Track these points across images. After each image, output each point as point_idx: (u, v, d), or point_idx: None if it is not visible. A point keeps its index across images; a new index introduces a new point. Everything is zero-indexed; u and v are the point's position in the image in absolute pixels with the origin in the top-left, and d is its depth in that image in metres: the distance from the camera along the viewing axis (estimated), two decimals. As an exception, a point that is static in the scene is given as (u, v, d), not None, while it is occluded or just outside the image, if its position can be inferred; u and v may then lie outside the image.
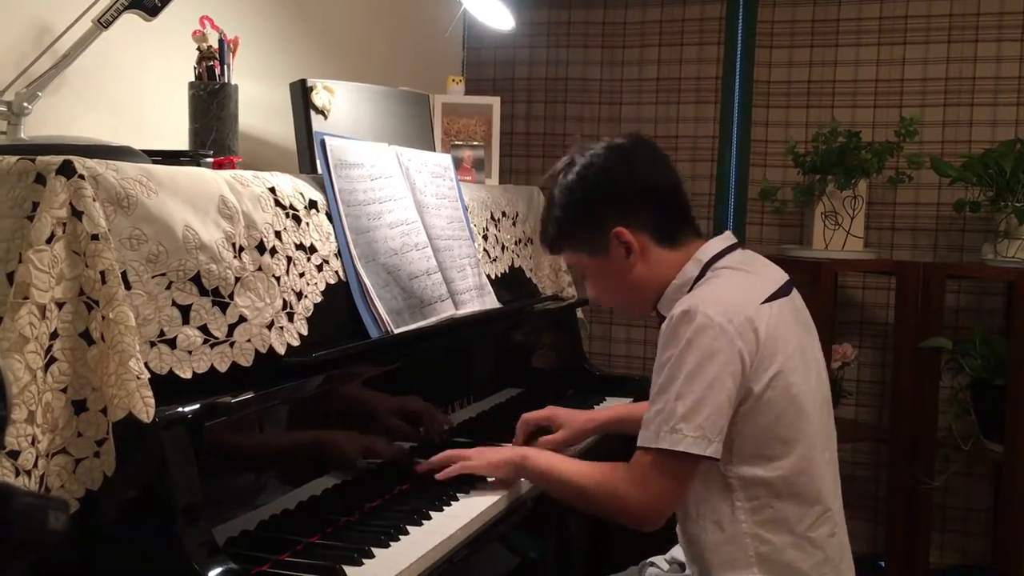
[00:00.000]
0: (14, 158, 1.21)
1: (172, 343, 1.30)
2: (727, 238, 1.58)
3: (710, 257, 1.53)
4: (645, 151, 1.61)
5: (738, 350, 1.39)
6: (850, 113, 2.99)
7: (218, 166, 1.58)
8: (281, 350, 1.47)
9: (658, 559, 1.69)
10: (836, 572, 1.47)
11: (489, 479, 1.65)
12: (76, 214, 1.18)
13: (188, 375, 1.31)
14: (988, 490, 2.89)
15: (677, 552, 1.65)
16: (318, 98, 1.89)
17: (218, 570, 1.16)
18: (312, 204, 1.64)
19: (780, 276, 1.56)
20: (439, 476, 1.62)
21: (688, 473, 1.42)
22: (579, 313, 2.61)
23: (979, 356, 2.64)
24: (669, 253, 1.55)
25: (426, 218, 1.93)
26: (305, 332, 1.53)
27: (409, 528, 1.45)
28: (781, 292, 1.50)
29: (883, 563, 2.84)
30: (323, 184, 1.69)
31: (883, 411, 2.96)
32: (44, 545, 0.59)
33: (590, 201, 1.57)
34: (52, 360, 1.15)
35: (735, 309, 1.41)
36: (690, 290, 1.51)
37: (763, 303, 1.44)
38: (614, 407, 2.04)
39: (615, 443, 1.96)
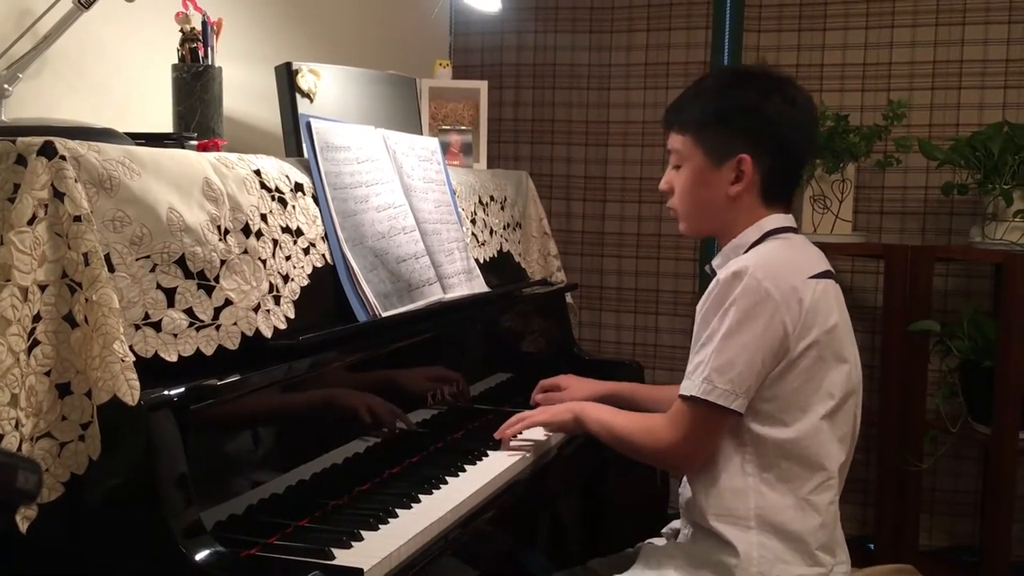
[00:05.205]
0: (-6, 139, 1.19)
1: (157, 326, 1.29)
2: (790, 219, 1.59)
3: (771, 228, 1.55)
4: (814, 115, 1.64)
5: (781, 317, 1.44)
6: (838, 97, 2.99)
7: (202, 149, 1.57)
8: (268, 333, 1.45)
9: (654, 539, 1.69)
10: (830, 538, 1.50)
11: (491, 453, 1.75)
12: (58, 195, 1.16)
13: (174, 358, 1.29)
14: (976, 472, 2.90)
15: (674, 525, 1.67)
16: (304, 81, 1.87)
17: (206, 552, 1.15)
18: (298, 187, 1.62)
19: (826, 264, 1.57)
20: (499, 434, 1.78)
21: (718, 422, 1.47)
22: (568, 298, 2.60)
23: (967, 338, 2.65)
24: (758, 207, 1.56)
25: (413, 202, 1.92)
26: (292, 315, 1.52)
27: (398, 511, 1.45)
28: (827, 275, 1.53)
29: (872, 545, 2.85)
30: (309, 167, 1.67)
31: (872, 394, 2.96)
32: (13, 506, 0.56)
33: (745, 116, 1.54)
34: (35, 343, 1.14)
35: (783, 277, 1.46)
36: (745, 252, 1.53)
37: (810, 278, 1.49)
38: (617, 383, 2.07)
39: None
